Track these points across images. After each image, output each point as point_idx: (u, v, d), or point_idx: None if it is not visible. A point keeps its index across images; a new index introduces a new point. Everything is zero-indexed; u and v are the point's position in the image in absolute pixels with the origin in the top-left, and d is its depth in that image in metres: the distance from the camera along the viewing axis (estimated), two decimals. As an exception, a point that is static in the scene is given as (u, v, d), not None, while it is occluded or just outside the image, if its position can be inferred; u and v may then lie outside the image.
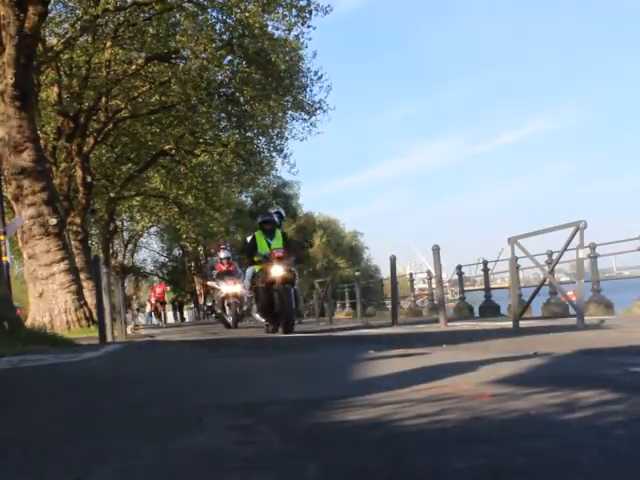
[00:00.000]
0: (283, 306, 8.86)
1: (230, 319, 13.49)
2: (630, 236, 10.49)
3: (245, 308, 14.04)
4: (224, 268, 14.18)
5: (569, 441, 1.40)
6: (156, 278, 32.58)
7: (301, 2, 17.55)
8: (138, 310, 36.90)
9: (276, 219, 9.99)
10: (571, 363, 3.00)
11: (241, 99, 20.97)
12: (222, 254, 14.47)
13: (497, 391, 2.09)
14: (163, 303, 28.34)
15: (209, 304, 15.60)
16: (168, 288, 30.07)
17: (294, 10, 17.68)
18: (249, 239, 10.09)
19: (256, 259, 9.46)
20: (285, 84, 20.12)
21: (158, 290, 28.13)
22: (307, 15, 17.71)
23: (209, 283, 14.49)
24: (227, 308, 13.65)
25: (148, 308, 32.87)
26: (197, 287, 48.76)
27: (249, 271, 10.23)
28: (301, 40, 19.37)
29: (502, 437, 1.46)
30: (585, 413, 1.66)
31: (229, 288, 13.60)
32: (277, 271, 8.95)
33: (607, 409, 1.70)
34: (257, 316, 10.08)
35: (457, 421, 1.65)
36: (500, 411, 1.75)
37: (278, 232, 9.66)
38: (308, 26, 18.19)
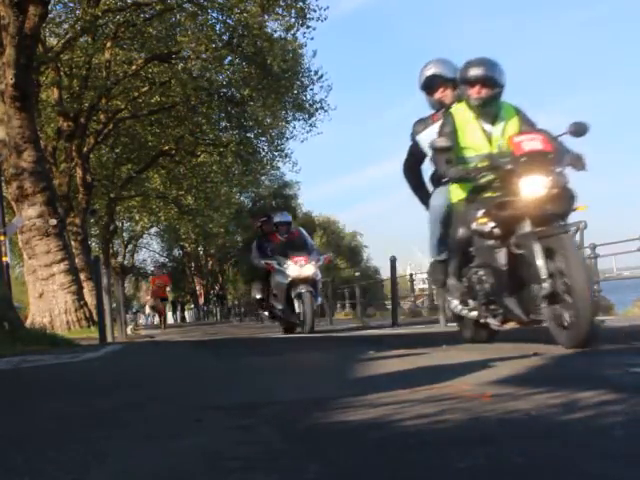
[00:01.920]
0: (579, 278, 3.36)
1: (300, 319, 8.76)
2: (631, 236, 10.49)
3: (320, 301, 9.75)
4: (282, 238, 9.48)
5: (569, 441, 1.40)
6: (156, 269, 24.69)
7: (300, 3, 17.55)
8: (136, 312, 36.15)
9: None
10: (571, 363, 3.00)
11: (240, 99, 20.96)
12: (278, 217, 9.82)
13: (497, 391, 2.09)
14: (164, 300, 21.98)
15: (258, 296, 9.90)
16: (169, 284, 22.70)
17: (293, 11, 17.68)
18: (426, 131, 4.50)
19: (471, 167, 3.92)
20: (284, 84, 20.11)
21: (158, 282, 21.61)
22: (306, 16, 17.71)
23: (263, 262, 9.30)
24: (295, 302, 8.83)
25: (149, 305, 30.03)
26: (197, 287, 48.84)
27: (437, 201, 4.45)
28: (301, 40, 19.39)
29: (502, 437, 1.46)
30: (585, 413, 1.66)
31: (298, 270, 8.73)
32: (536, 186, 3.61)
33: (607, 409, 1.70)
34: (470, 306, 4.19)
35: (457, 421, 1.65)
36: (500, 411, 1.75)
37: (506, 105, 4.21)
38: (307, 27, 18.20)
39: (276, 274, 9.02)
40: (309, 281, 8.73)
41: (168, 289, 21.58)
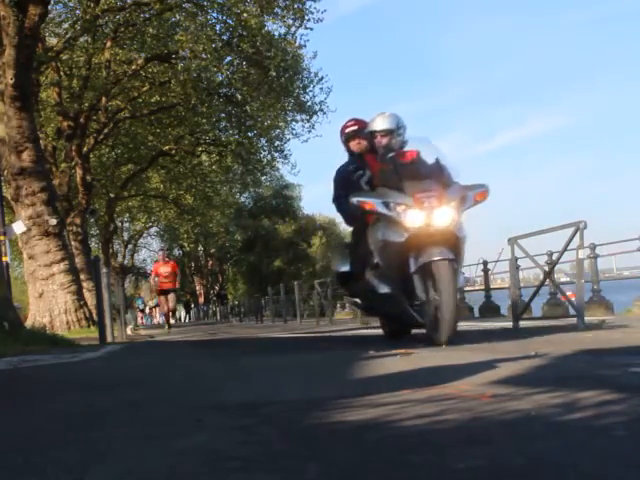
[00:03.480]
0: None
1: (427, 315, 4.51)
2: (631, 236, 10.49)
3: (463, 281, 5.56)
4: (388, 162, 4.93)
5: (569, 441, 1.40)
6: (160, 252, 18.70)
7: (298, 5, 17.54)
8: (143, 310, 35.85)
9: None
10: (571, 363, 3.00)
11: (240, 99, 20.97)
12: (376, 123, 5.16)
13: (497, 391, 2.09)
14: (171, 292, 15.74)
15: (342, 269, 5.61)
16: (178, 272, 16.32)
17: (291, 12, 17.67)
18: None
19: None
20: (282, 83, 20.09)
21: (164, 270, 15.52)
22: (304, 17, 17.70)
23: (356, 200, 4.75)
24: (416, 281, 4.50)
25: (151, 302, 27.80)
26: (197, 287, 48.87)
27: None
28: (299, 41, 19.36)
29: (502, 437, 1.46)
30: (585, 413, 1.66)
31: (423, 216, 4.46)
32: None
33: (607, 409, 1.70)
34: None
35: (457, 421, 1.65)
36: (500, 411, 1.75)
37: None
38: (305, 28, 18.21)
39: (378, 226, 4.77)
40: (447, 239, 4.44)
41: (177, 273, 15.88)
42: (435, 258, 4.38)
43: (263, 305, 24.95)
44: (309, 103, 21.83)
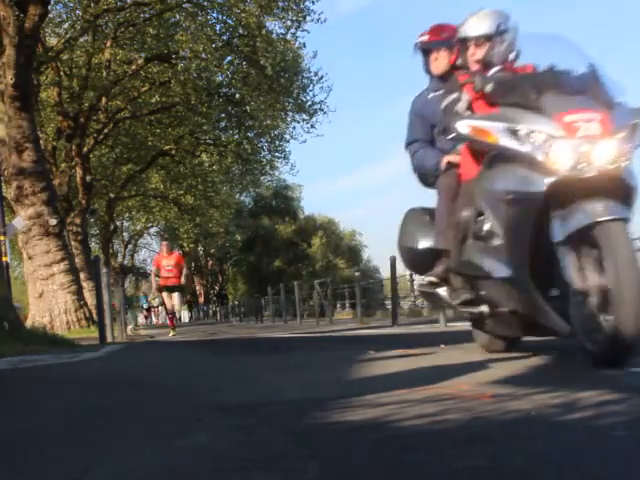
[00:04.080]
0: None
1: (567, 309, 2.62)
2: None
3: None
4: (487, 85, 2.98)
5: (569, 441, 1.40)
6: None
7: (296, 6, 17.54)
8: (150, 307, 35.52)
9: None
10: (571, 363, 3.00)
11: (240, 99, 20.96)
12: (471, 27, 3.27)
13: (497, 391, 2.09)
14: (176, 290, 12.86)
15: (423, 245, 3.51)
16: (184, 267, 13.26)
17: (290, 13, 17.66)
18: None
19: None
20: (282, 83, 20.08)
21: (167, 264, 12.72)
22: (305, 18, 17.71)
23: (463, 125, 2.95)
24: (564, 254, 2.55)
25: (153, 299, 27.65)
26: (197, 287, 48.87)
27: None
28: (298, 42, 19.35)
29: (502, 437, 1.46)
30: (585, 413, 1.66)
31: (575, 150, 2.58)
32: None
33: (607, 409, 1.70)
34: None
35: (457, 421, 1.65)
36: (500, 411, 1.75)
37: None
38: (303, 30, 18.22)
39: (494, 171, 2.94)
40: (614, 190, 2.60)
41: (185, 272, 13.13)
42: (601, 218, 2.54)
43: (263, 305, 24.96)
44: (309, 103, 21.83)
